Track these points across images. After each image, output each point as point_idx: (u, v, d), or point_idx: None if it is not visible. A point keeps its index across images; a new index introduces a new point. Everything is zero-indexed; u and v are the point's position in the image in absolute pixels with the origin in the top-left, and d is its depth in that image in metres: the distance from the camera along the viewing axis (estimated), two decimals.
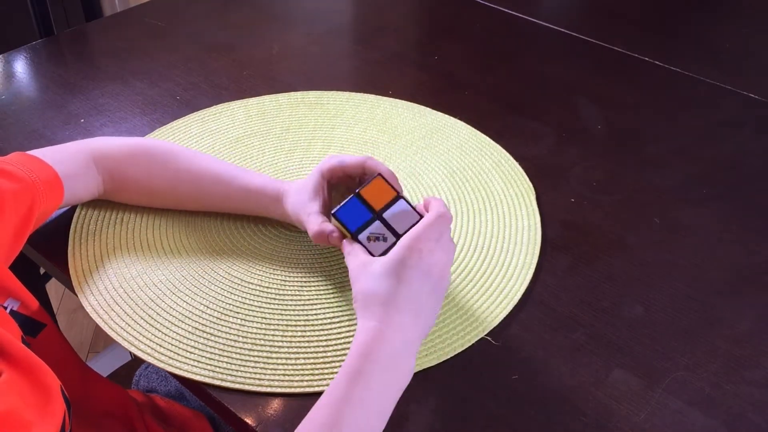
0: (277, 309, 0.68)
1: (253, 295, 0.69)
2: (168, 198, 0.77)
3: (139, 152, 0.76)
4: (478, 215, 0.79)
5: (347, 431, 0.51)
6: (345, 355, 0.62)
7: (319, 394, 0.54)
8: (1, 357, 0.50)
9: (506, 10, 1.24)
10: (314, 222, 0.66)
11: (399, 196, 0.62)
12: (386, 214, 0.62)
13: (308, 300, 0.69)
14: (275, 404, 0.60)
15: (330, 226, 0.64)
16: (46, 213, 0.69)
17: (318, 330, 0.66)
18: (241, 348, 0.64)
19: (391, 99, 0.99)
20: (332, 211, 0.63)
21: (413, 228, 0.59)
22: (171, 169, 0.75)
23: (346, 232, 0.62)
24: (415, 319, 0.56)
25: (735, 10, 1.34)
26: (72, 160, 0.73)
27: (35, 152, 0.70)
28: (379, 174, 0.63)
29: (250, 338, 0.65)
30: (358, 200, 0.62)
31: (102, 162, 0.74)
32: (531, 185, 0.84)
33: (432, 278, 0.57)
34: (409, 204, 0.62)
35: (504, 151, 0.89)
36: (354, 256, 0.60)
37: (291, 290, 0.70)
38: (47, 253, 0.75)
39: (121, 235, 0.76)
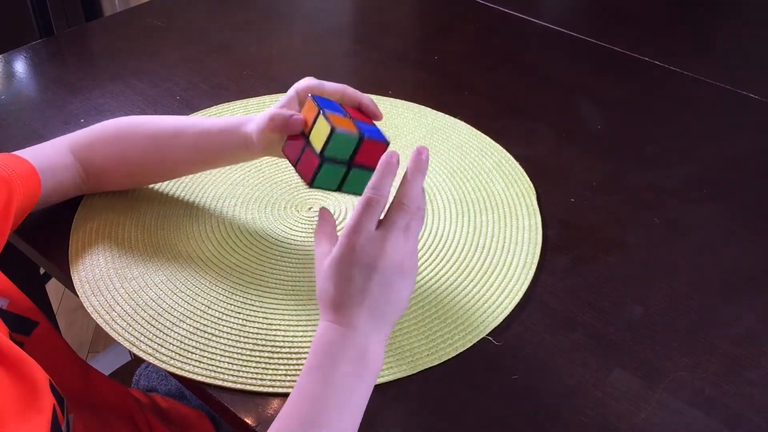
0: (278, 309, 0.68)
1: (254, 295, 0.69)
2: (146, 168, 0.77)
3: (109, 130, 0.76)
4: (478, 215, 0.79)
5: (314, 422, 0.52)
6: None
7: None
8: None
9: (506, 10, 1.24)
10: (273, 109, 0.66)
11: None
12: (358, 123, 0.61)
13: (309, 300, 0.69)
14: (275, 404, 0.60)
15: (290, 111, 0.64)
16: (25, 207, 0.69)
17: None
18: (242, 348, 0.64)
19: (392, 99, 0.99)
20: (309, 94, 0.63)
21: (346, 222, 0.56)
22: (141, 135, 0.76)
23: (314, 112, 0.61)
24: (368, 313, 0.55)
25: (735, 10, 1.35)
26: (49, 153, 0.74)
27: (14, 152, 0.72)
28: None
29: (252, 338, 0.65)
30: (339, 105, 0.63)
31: (78, 148, 0.75)
32: (531, 185, 0.84)
33: (377, 271, 0.55)
34: (381, 133, 0.62)
35: (504, 151, 0.89)
36: (316, 245, 0.60)
37: (292, 290, 0.70)
38: (47, 253, 0.75)
39: (122, 236, 0.76)
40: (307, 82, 0.68)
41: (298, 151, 0.62)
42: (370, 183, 0.56)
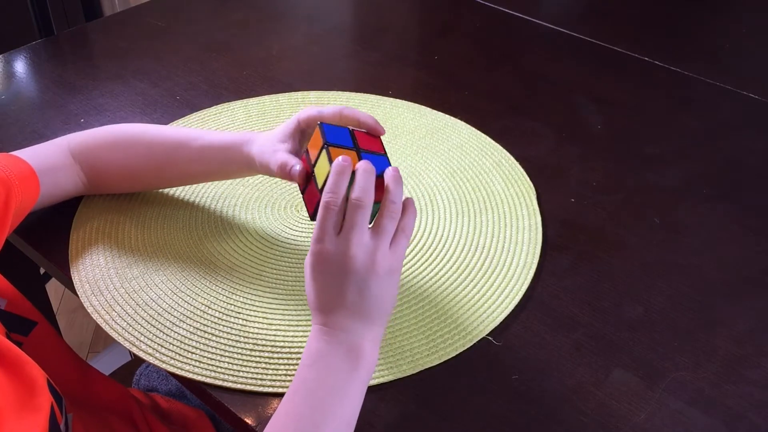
0: (278, 309, 0.68)
1: (255, 295, 0.69)
2: (146, 176, 0.78)
3: (112, 136, 0.77)
4: (478, 215, 0.79)
5: (308, 419, 0.52)
6: None
7: None
8: None
9: (506, 10, 1.24)
10: (281, 156, 0.65)
11: (383, 154, 0.61)
12: (364, 154, 0.60)
13: None
14: (275, 404, 0.60)
15: (294, 159, 0.64)
16: (24, 208, 0.69)
17: None
18: (242, 348, 0.64)
19: (392, 99, 0.99)
20: (318, 122, 0.62)
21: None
22: (143, 144, 0.76)
23: (320, 144, 0.60)
24: (350, 314, 0.55)
25: (735, 10, 1.35)
26: (48, 154, 0.74)
27: (15, 152, 0.72)
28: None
29: (252, 338, 0.65)
30: (348, 132, 0.62)
31: (80, 151, 0.75)
32: (531, 185, 0.84)
33: (348, 275, 0.55)
34: (387, 163, 0.60)
35: (504, 151, 0.89)
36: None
37: (292, 290, 0.70)
38: (47, 253, 0.75)
39: (122, 236, 0.76)
40: (308, 112, 0.67)
41: (305, 180, 0.62)
42: (327, 187, 0.56)
